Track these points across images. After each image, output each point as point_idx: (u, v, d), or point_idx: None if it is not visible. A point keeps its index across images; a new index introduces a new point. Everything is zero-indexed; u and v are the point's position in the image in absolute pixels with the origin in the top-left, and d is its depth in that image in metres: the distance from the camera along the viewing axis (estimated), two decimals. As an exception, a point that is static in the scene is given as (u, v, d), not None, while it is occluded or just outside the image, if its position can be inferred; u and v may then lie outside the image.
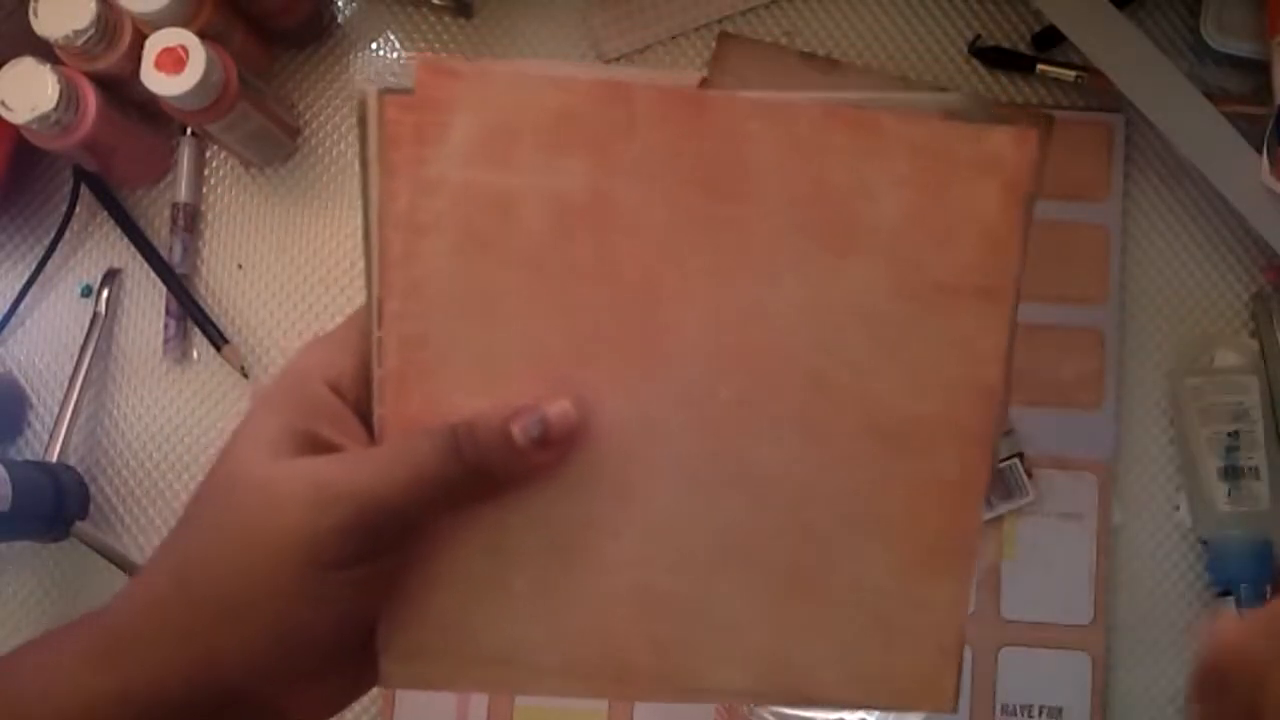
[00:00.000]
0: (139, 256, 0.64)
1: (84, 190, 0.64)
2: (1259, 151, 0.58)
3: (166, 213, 0.65)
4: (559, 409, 0.32)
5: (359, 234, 0.32)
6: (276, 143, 0.64)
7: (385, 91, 0.31)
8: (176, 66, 0.55)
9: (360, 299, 0.34)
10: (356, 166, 0.32)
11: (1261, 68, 0.61)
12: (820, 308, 0.33)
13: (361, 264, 0.34)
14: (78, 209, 0.64)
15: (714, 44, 0.64)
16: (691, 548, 0.34)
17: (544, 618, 0.33)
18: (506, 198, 0.32)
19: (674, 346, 0.33)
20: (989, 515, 0.61)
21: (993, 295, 0.33)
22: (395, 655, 0.33)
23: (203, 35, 0.56)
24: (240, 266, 0.65)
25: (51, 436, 0.62)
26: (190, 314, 0.64)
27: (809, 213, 0.33)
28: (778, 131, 0.33)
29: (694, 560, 0.34)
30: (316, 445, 0.32)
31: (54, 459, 0.61)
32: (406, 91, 0.31)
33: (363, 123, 0.32)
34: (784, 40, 0.65)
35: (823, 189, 0.33)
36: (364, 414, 0.33)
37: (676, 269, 0.33)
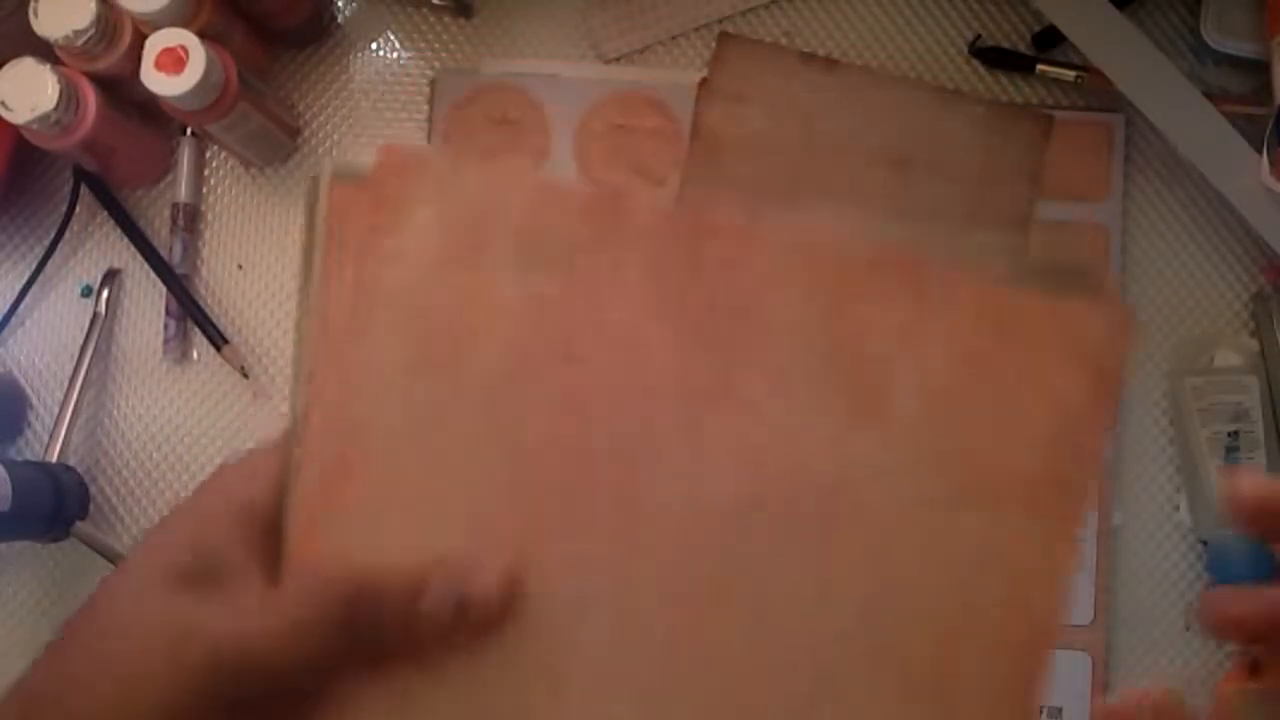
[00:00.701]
0: (139, 256, 0.64)
1: (84, 190, 0.64)
2: (1259, 151, 0.58)
3: (166, 213, 0.65)
4: (484, 583, 0.27)
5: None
6: (276, 143, 0.64)
7: (339, 174, 0.27)
8: (176, 66, 0.55)
9: None
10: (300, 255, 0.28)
11: (1261, 68, 0.61)
12: (840, 487, 0.27)
13: None
14: (78, 209, 0.64)
15: (714, 44, 0.64)
16: None
17: None
18: (466, 314, 0.27)
19: (651, 512, 0.27)
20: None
21: (1055, 504, 0.26)
22: None
23: (203, 35, 0.56)
24: (240, 266, 0.65)
25: (51, 436, 0.62)
26: (190, 314, 0.64)
27: (831, 375, 0.27)
28: (799, 272, 0.27)
29: None
30: (210, 580, 0.29)
31: (54, 459, 0.61)
32: (362, 177, 0.27)
33: (311, 207, 0.28)
34: (784, 40, 0.65)
35: (855, 349, 0.27)
36: (274, 543, 0.29)
37: (662, 426, 0.27)
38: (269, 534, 0.29)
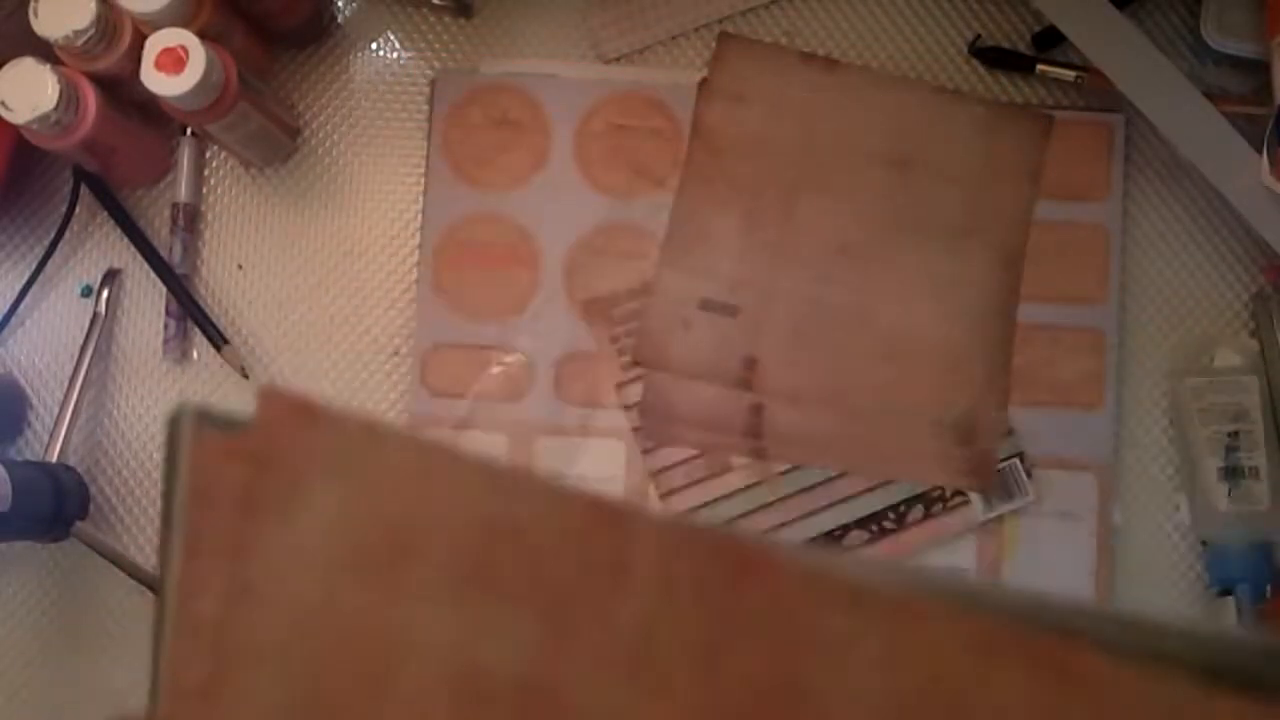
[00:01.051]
0: (139, 256, 0.64)
1: (84, 190, 0.64)
2: (1259, 151, 0.58)
3: (166, 213, 0.65)
4: None
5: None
6: (276, 143, 0.64)
7: (208, 419, 0.20)
8: (176, 66, 0.55)
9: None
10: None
11: (1261, 68, 0.61)
12: None
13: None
14: (78, 209, 0.64)
15: (714, 44, 0.64)
16: None
17: None
18: (381, 645, 0.19)
19: None
20: (989, 515, 0.61)
21: None
22: None
23: (203, 35, 0.56)
24: (240, 266, 0.65)
25: (51, 436, 0.62)
26: (190, 314, 0.64)
27: None
28: (880, 645, 0.18)
29: None
30: None
31: (54, 459, 0.61)
32: (239, 428, 0.20)
33: (172, 458, 0.20)
34: (784, 40, 0.65)
35: None
36: None
37: None
38: None
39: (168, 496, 0.20)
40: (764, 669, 0.18)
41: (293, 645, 0.19)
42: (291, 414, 0.19)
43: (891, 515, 0.61)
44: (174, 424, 0.20)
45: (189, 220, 0.65)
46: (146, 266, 0.64)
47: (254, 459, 0.19)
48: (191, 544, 0.20)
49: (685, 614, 0.18)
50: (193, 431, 0.20)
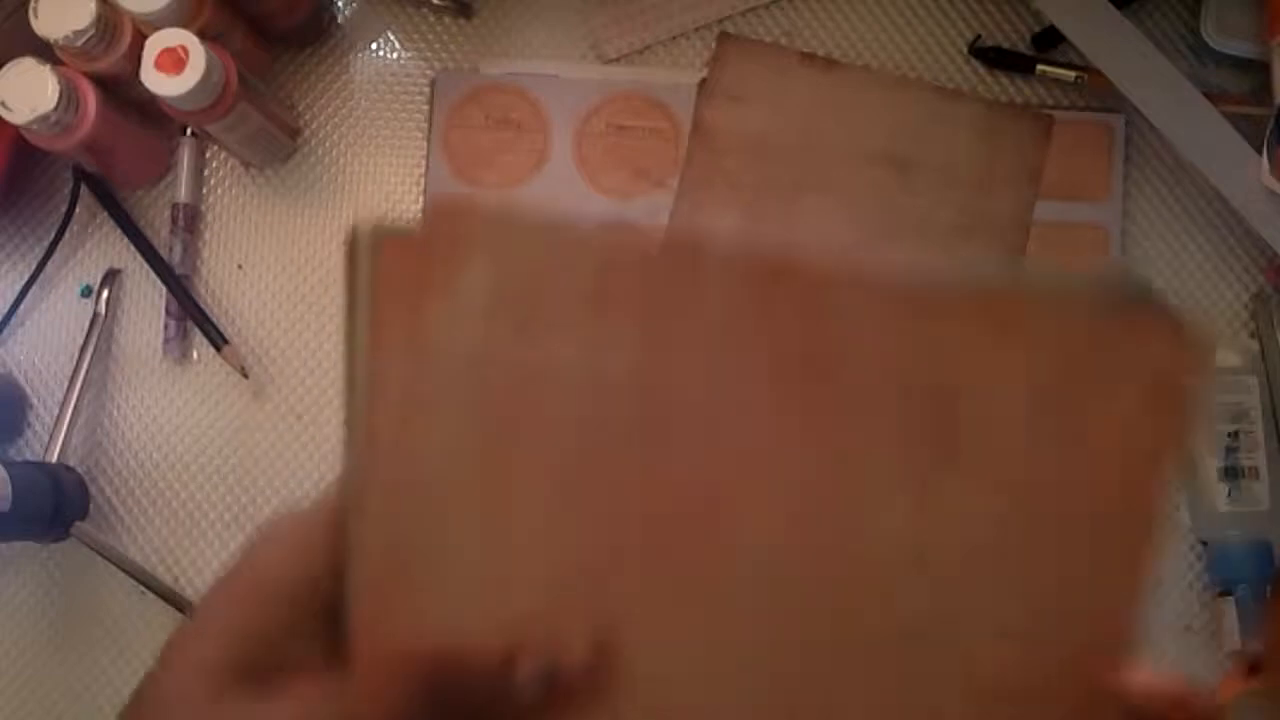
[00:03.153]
0: (139, 256, 0.64)
1: (84, 190, 0.64)
2: (1259, 151, 0.58)
3: (166, 213, 0.65)
4: (576, 650, 0.26)
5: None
6: (276, 143, 0.64)
7: (382, 230, 0.25)
8: (176, 66, 0.55)
9: None
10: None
11: (1261, 68, 0.61)
12: (923, 537, 0.26)
13: None
14: (78, 209, 0.64)
15: (714, 44, 0.64)
16: None
17: None
18: (532, 376, 0.25)
19: (735, 576, 0.26)
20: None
21: (1130, 532, 0.26)
22: None
23: (203, 35, 0.56)
24: (240, 266, 0.65)
25: (51, 436, 0.62)
26: (190, 314, 0.64)
27: (916, 417, 0.26)
28: (879, 310, 0.26)
29: None
30: (267, 671, 0.26)
31: (54, 459, 0.61)
32: (408, 232, 0.25)
33: (352, 264, 0.25)
34: (784, 40, 0.65)
35: (935, 389, 0.26)
36: (335, 623, 0.27)
37: (742, 477, 0.26)
38: (326, 616, 0.27)
39: (350, 295, 0.25)
40: (798, 344, 0.25)
41: (461, 391, 0.25)
42: (453, 213, 0.25)
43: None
44: (353, 240, 0.25)
45: (189, 220, 0.65)
46: (146, 266, 0.64)
47: (422, 250, 0.25)
48: (376, 330, 0.25)
49: (740, 307, 0.25)
50: (371, 242, 0.25)
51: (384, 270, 0.25)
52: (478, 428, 0.26)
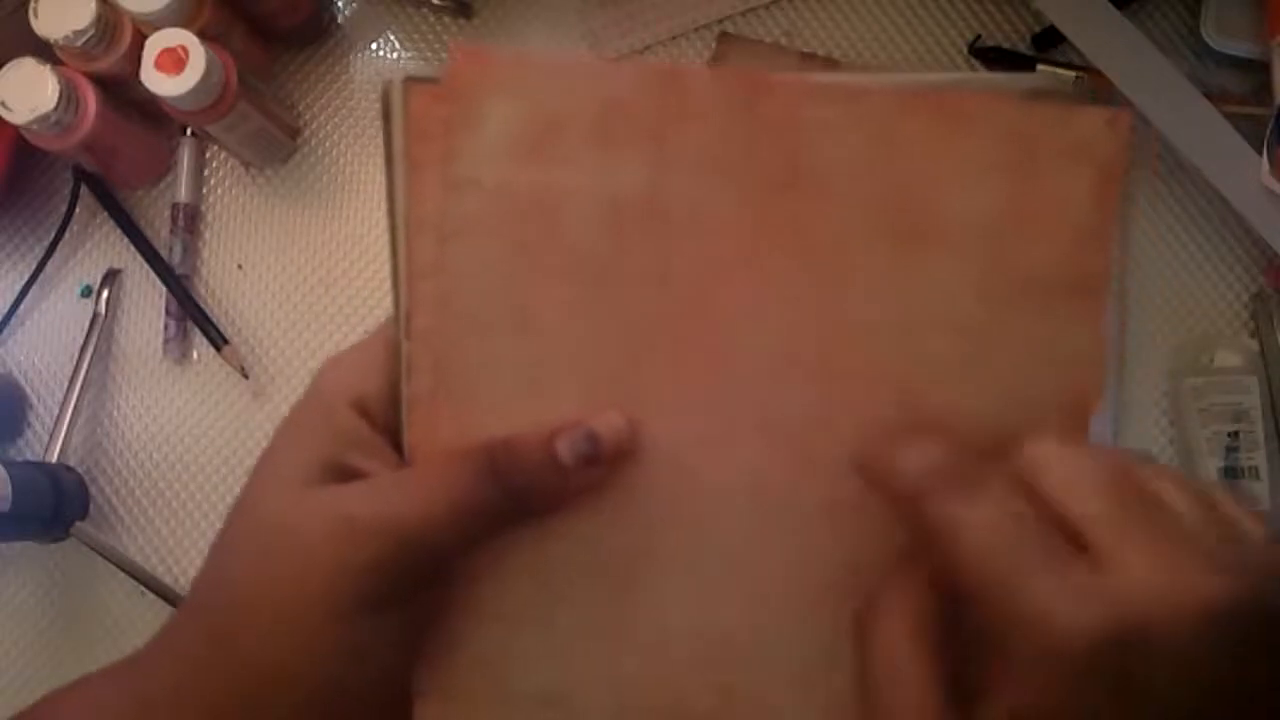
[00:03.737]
0: (139, 256, 0.64)
1: (84, 190, 0.64)
2: (1259, 151, 0.58)
3: (166, 213, 0.65)
4: (608, 421, 0.29)
5: (384, 237, 0.30)
6: (276, 143, 0.64)
7: (411, 80, 0.29)
8: (176, 66, 0.55)
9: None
10: (382, 164, 0.29)
11: (1261, 68, 0.61)
12: (903, 314, 0.30)
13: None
14: (78, 209, 0.64)
15: (714, 44, 0.64)
16: (761, 582, 0.30)
17: (593, 657, 0.30)
18: (549, 198, 0.29)
19: (741, 359, 0.30)
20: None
21: (1087, 291, 0.30)
22: (432, 698, 0.30)
23: (203, 35, 0.56)
24: (240, 266, 0.65)
25: (51, 436, 0.62)
26: (190, 314, 0.64)
27: (887, 208, 0.29)
28: (848, 118, 0.29)
29: (764, 596, 0.30)
30: (344, 475, 0.30)
31: (54, 459, 0.61)
32: (434, 80, 0.29)
33: (386, 116, 0.29)
34: (784, 40, 0.65)
35: (901, 182, 0.29)
36: (394, 436, 0.31)
37: (741, 274, 0.29)
38: (387, 434, 0.30)
39: (387, 143, 0.29)
40: (775, 155, 0.29)
41: (489, 216, 0.29)
42: (469, 58, 0.28)
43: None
44: (387, 90, 0.29)
45: (189, 220, 0.65)
46: (146, 266, 0.64)
47: (449, 95, 0.28)
48: (413, 167, 0.29)
49: (725, 128, 0.29)
50: (402, 90, 0.29)
51: (415, 114, 0.28)
52: (506, 249, 0.29)
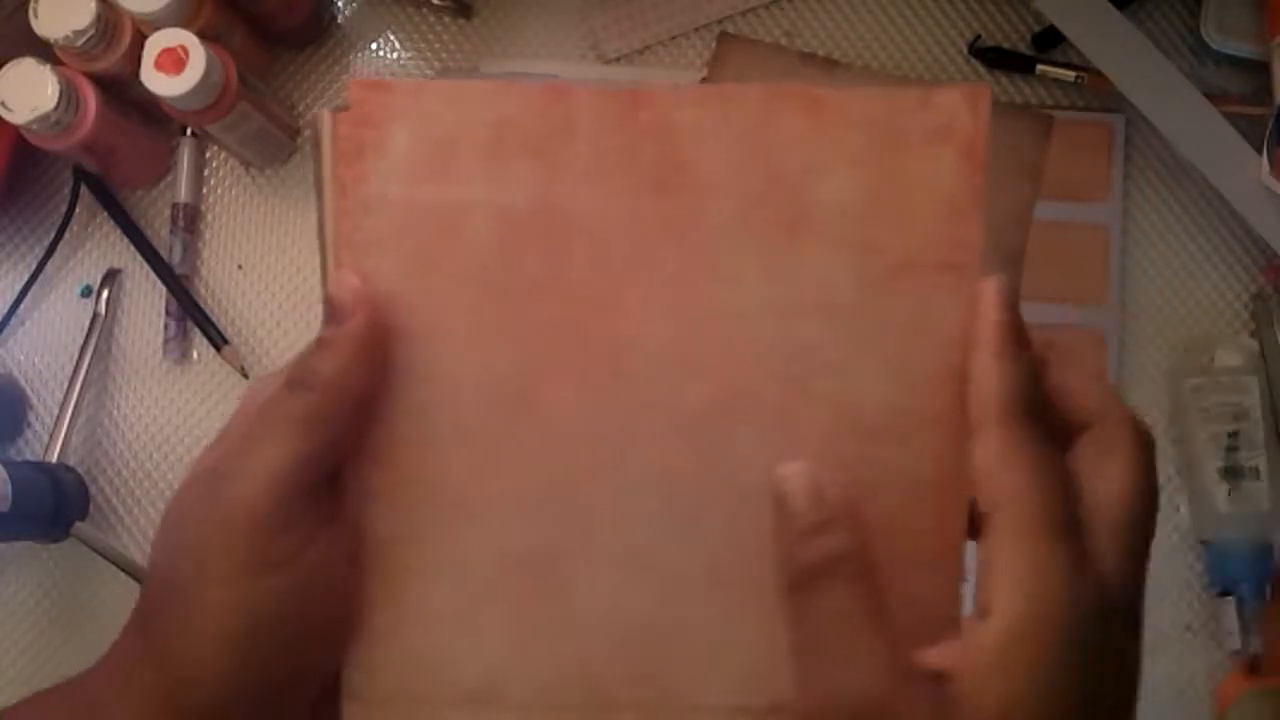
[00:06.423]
0: (139, 256, 0.64)
1: (84, 190, 0.64)
2: (1259, 151, 0.58)
3: (166, 213, 0.65)
4: (339, 280, 0.31)
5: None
6: (276, 143, 0.64)
7: (337, 109, 0.32)
8: (176, 66, 0.55)
9: None
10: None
11: (1261, 68, 0.61)
12: (786, 304, 0.32)
13: None
14: (78, 209, 0.64)
15: (714, 44, 0.64)
16: (671, 569, 0.32)
17: (516, 651, 0.32)
18: (450, 212, 0.31)
19: (638, 356, 0.32)
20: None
21: (956, 270, 0.32)
22: (359, 699, 0.32)
23: (203, 35, 0.56)
24: (240, 266, 0.65)
25: (51, 436, 0.62)
26: (190, 314, 0.64)
27: (763, 204, 0.31)
28: (718, 120, 0.31)
29: (675, 582, 0.32)
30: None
31: (54, 459, 0.61)
32: (347, 107, 0.32)
33: (316, 144, 0.32)
34: (784, 40, 0.65)
35: (773, 177, 0.31)
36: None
37: (632, 275, 0.32)
38: None
39: (317, 169, 0.32)
40: (655, 160, 0.31)
41: (397, 233, 0.31)
42: (367, 89, 0.31)
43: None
44: (317, 119, 0.32)
45: (189, 220, 0.65)
46: (146, 266, 0.64)
47: (357, 122, 0.31)
48: (336, 188, 0.31)
49: (609, 138, 0.31)
50: (329, 119, 0.31)
51: (339, 139, 0.31)
52: (412, 261, 0.32)
